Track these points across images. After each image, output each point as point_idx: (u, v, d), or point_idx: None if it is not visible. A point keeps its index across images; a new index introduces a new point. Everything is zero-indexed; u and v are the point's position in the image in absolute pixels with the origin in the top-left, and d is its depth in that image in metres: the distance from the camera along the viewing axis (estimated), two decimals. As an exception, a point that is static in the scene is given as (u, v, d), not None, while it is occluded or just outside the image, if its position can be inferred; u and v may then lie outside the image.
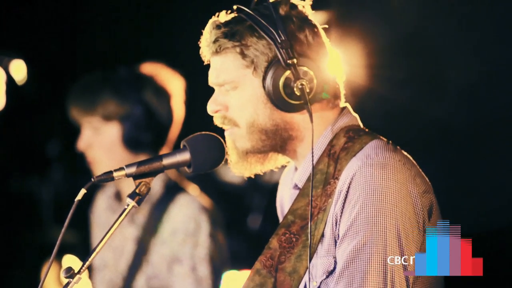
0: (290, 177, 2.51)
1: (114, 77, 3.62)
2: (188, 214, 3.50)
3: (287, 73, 2.27)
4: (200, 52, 2.37)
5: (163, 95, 3.62)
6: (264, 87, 2.29)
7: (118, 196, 3.72)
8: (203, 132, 2.34)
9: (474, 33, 3.10)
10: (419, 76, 3.36)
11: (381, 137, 2.35)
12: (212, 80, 2.37)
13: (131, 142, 3.55)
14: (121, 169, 2.22)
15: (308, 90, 2.26)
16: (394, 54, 3.38)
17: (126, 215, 2.18)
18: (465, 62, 3.16)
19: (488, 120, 3.12)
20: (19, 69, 5.05)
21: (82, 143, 3.61)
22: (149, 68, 3.68)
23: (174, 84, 3.67)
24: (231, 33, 2.30)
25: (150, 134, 3.57)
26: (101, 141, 3.57)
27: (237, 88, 2.32)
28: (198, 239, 3.47)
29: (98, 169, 3.57)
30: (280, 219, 2.65)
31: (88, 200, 3.80)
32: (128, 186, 3.59)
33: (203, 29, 2.36)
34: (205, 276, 3.44)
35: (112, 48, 4.97)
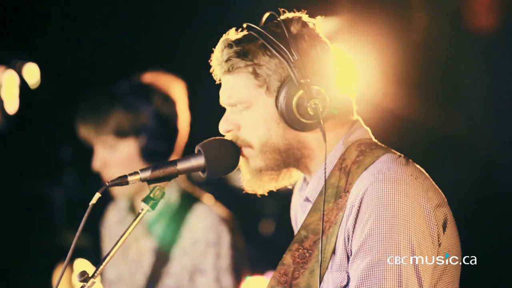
0: (302, 188, 2.50)
1: (121, 91, 3.54)
2: (208, 224, 3.46)
3: (300, 92, 2.25)
4: (211, 70, 2.36)
5: (170, 101, 3.56)
6: (277, 106, 2.28)
7: (132, 210, 3.67)
8: (218, 137, 2.33)
9: (491, 45, 3.08)
10: (434, 88, 3.34)
11: (393, 150, 2.34)
12: (224, 101, 2.35)
13: (149, 154, 3.49)
14: (135, 173, 2.22)
15: (321, 110, 2.26)
16: (408, 65, 3.36)
17: (140, 219, 2.18)
18: (482, 74, 3.14)
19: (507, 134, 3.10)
20: (32, 73, 5.07)
21: (98, 163, 3.52)
22: (152, 77, 3.62)
23: (177, 89, 3.62)
24: (243, 52, 2.28)
25: (165, 143, 3.52)
26: (119, 158, 3.49)
27: (250, 108, 2.31)
28: (220, 250, 3.44)
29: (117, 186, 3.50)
30: (294, 228, 2.64)
31: (99, 212, 3.74)
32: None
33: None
34: (229, 286, 3.42)
35: (125, 53, 4.98)
